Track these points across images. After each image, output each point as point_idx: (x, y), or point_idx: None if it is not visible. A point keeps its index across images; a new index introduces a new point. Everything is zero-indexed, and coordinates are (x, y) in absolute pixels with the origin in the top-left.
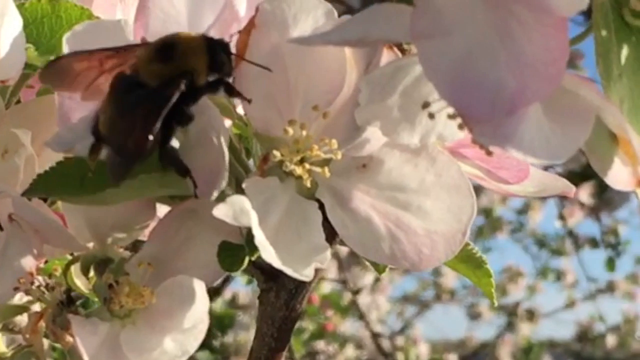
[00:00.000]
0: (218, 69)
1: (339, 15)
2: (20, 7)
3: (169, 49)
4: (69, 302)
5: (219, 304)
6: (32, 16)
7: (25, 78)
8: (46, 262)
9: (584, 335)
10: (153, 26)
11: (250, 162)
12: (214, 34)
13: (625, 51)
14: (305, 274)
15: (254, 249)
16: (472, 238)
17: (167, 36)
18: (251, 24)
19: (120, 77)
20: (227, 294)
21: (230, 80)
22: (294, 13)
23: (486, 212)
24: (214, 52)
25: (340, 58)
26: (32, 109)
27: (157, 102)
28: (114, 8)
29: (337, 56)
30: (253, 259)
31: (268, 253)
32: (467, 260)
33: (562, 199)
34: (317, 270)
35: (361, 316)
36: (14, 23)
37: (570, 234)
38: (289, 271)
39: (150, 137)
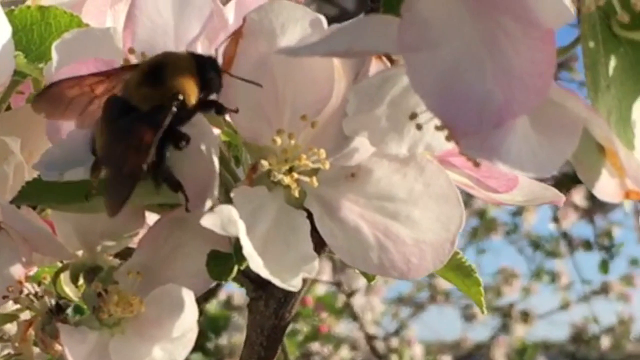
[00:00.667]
0: (208, 87)
1: (333, 18)
2: (9, 14)
3: (158, 71)
4: (58, 310)
5: (214, 305)
6: (22, 23)
7: (14, 85)
8: (35, 270)
9: (579, 336)
10: (140, 34)
11: (240, 170)
12: (202, 42)
13: (613, 62)
14: (292, 284)
15: (242, 258)
16: (467, 240)
17: (155, 58)
18: (238, 34)
19: (112, 101)
20: (222, 295)
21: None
22: (282, 23)
23: (480, 214)
24: (203, 70)
25: (328, 68)
26: (21, 116)
27: (149, 127)
28: (103, 15)
29: (325, 66)
30: (242, 268)
31: (256, 263)
32: (457, 269)
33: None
34: (305, 280)
35: (356, 318)
36: (3, 30)
37: (565, 235)
38: (276, 281)
39: (144, 164)
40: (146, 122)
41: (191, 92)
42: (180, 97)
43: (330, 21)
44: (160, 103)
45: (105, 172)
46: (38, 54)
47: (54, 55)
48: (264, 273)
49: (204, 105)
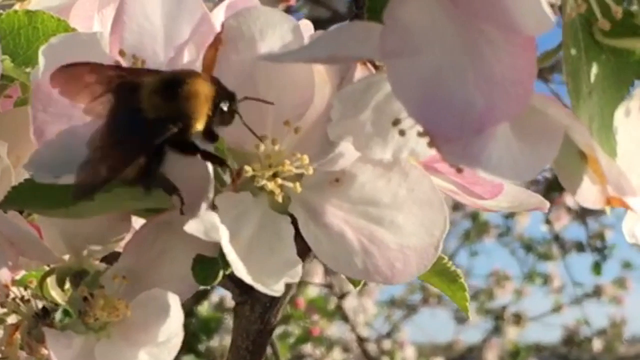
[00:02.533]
0: (218, 120)
1: (325, 20)
2: None
3: (177, 85)
4: (45, 314)
5: (205, 308)
6: (9, 27)
7: (2, 89)
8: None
9: (571, 339)
10: (128, 39)
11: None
12: (191, 48)
13: (595, 69)
14: (275, 289)
15: (228, 263)
16: (460, 242)
17: (181, 71)
18: (217, 41)
19: (124, 94)
20: (214, 297)
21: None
22: (260, 28)
23: (473, 216)
24: (220, 102)
25: (308, 72)
26: (8, 120)
27: (146, 135)
28: (90, 20)
29: (305, 71)
30: (227, 272)
31: (239, 269)
32: (442, 274)
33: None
34: (290, 284)
35: (347, 320)
36: None
37: (557, 238)
38: (259, 287)
39: (126, 167)
40: (145, 130)
41: (200, 119)
42: (187, 119)
43: (322, 23)
44: (166, 117)
45: (89, 154)
46: (25, 58)
47: (41, 59)
48: (247, 279)
49: (207, 135)
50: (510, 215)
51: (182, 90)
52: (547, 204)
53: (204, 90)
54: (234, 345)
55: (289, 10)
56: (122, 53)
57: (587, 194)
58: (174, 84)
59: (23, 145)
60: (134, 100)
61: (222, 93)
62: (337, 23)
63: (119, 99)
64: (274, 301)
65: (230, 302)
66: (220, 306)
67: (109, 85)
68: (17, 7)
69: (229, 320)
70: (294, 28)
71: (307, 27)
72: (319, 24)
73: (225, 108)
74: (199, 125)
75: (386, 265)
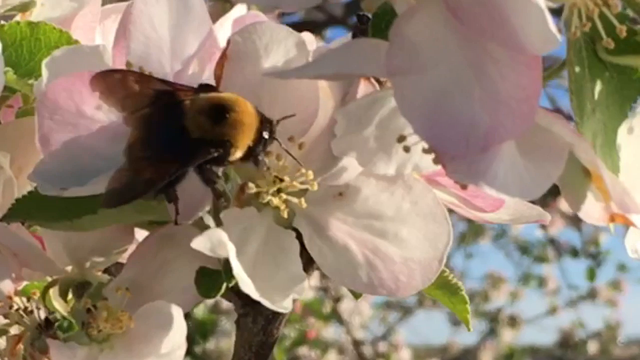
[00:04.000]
0: (257, 148)
1: (322, 23)
2: None
3: (224, 110)
4: (48, 325)
5: (201, 310)
6: (11, 39)
7: (3, 100)
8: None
9: (566, 341)
10: (134, 49)
11: (229, 186)
12: (197, 62)
13: (598, 87)
14: (283, 306)
15: (231, 275)
16: (455, 244)
17: (229, 96)
18: (224, 57)
19: (169, 109)
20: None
21: None
22: (265, 44)
23: (468, 219)
24: (261, 132)
25: (313, 88)
26: (11, 131)
27: (186, 153)
28: (92, 31)
29: (309, 86)
30: (231, 285)
31: (246, 284)
32: (443, 287)
33: (545, 207)
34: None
35: (342, 323)
36: None
37: (552, 241)
38: (266, 303)
39: (164, 181)
40: (186, 148)
41: (241, 147)
42: (229, 146)
43: (318, 26)
44: (209, 139)
45: (124, 164)
46: (27, 70)
47: (44, 72)
48: (254, 294)
49: (244, 158)
50: None
51: (230, 117)
52: (549, 217)
53: (250, 119)
54: (236, 357)
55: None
56: (128, 64)
57: (591, 210)
58: (222, 109)
59: (25, 156)
60: (178, 117)
61: (265, 124)
62: (332, 26)
63: (163, 113)
64: (276, 313)
65: (225, 305)
66: (215, 308)
67: (154, 98)
68: (18, 18)
69: (224, 323)
70: (299, 44)
71: (310, 41)
72: (314, 27)
73: (264, 139)
74: (239, 153)
75: (391, 278)
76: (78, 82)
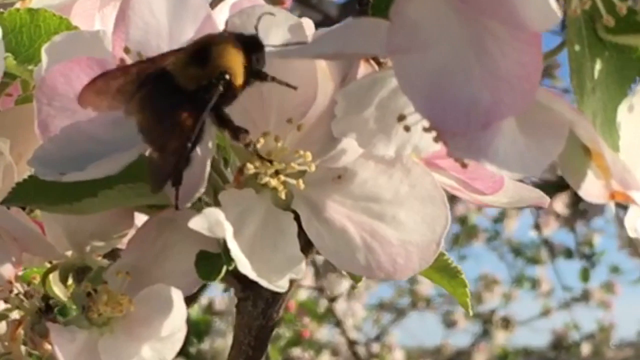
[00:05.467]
0: (253, 65)
1: (316, 24)
2: None
3: (204, 51)
4: (48, 310)
5: (195, 310)
6: (11, 25)
7: (4, 87)
8: (25, 269)
9: (559, 343)
10: (133, 35)
11: (229, 171)
12: None
13: (598, 66)
14: (280, 285)
15: (231, 259)
16: (448, 246)
17: (200, 39)
18: None
19: (157, 81)
20: (204, 300)
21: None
22: (264, 26)
23: (462, 220)
24: (248, 49)
25: (311, 70)
26: (10, 117)
27: (195, 106)
28: (92, 18)
29: (308, 69)
30: (230, 268)
31: (243, 265)
32: (442, 270)
33: (538, 208)
34: (292, 280)
35: (337, 323)
36: None
37: (546, 242)
38: (263, 283)
39: (190, 142)
40: (193, 101)
41: (238, 71)
42: (227, 76)
43: (315, 26)
44: (208, 82)
45: (149, 150)
46: (27, 56)
47: (44, 58)
48: (252, 274)
49: (251, 77)
50: (499, 220)
51: (212, 51)
52: (547, 199)
53: (231, 44)
54: (236, 341)
55: None
56: (127, 50)
57: (591, 188)
58: (202, 50)
59: (25, 143)
60: (168, 83)
61: (247, 40)
62: (327, 26)
63: (154, 87)
64: (276, 297)
65: (219, 305)
66: (209, 309)
67: (139, 81)
68: (18, 5)
69: (218, 324)
70: (297, 26)
71: (309, 26)
72: None
73: (255, 53)
74: (240, 79)
75: (388, 261)
76: (76, 67)
